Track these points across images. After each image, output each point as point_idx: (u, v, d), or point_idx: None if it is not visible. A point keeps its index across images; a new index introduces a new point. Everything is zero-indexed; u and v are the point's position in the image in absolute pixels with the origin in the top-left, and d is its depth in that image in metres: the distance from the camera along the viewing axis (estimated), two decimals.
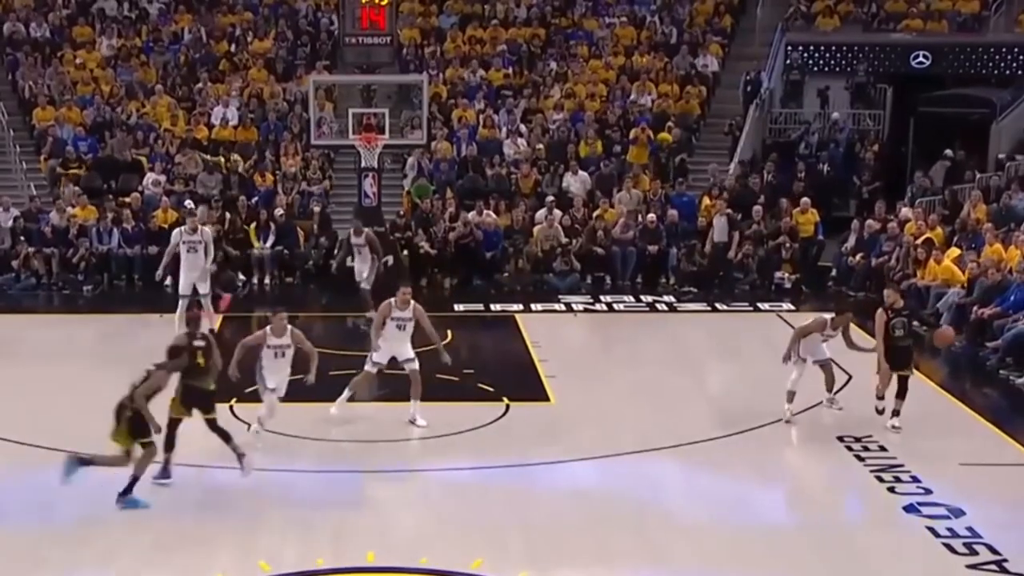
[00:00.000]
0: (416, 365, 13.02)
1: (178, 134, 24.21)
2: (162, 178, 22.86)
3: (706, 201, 22.41)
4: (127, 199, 22.01)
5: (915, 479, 11.76)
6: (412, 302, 12.98)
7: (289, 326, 12.62)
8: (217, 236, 20.59)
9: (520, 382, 15.20)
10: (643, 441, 12.82)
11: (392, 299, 13.07)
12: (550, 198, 22.22)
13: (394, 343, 13.01)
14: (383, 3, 21.49)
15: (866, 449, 12.63)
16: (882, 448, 12.65)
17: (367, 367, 13.28)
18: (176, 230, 17.38)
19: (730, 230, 21.36)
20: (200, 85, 25.86)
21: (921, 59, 25.71)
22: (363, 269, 17.77)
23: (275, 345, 12.49)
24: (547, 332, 17.82)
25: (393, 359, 13.20)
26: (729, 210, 21.62)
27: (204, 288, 16.94)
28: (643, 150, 23.95)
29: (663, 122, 24.92)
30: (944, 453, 12.43)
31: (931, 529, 10.66)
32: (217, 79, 26.17)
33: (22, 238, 20.78)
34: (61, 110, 24.91)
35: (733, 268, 21.16)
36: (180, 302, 16.81)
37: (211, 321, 17.04)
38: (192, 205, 21.30)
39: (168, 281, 17.55)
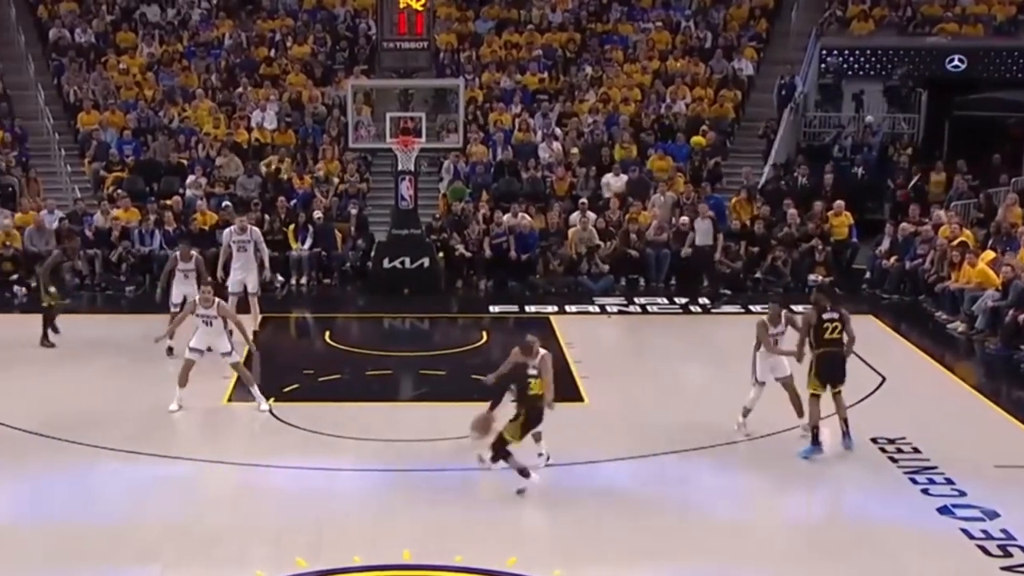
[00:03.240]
0: (233, 359, 13.74)
1: (218, 137, 24.39)
2: (203, 181, 23.02)
3: (734, 202, 22.34)
4: (169, 202, 22.20)
5: (949, 481, 11.63)
6: (216, 300, 13.77)
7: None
8: None
9: (554, 383, 15.10)
10: (677, 442, 12.76)
11: (196, 297, 14.01)
12: (583, 200, 22.20)
13: (207, 337, 13.71)
14: (420, 8, 21.47)
15: (900, 451, 12.50)
16: (916, 450, 12.51)
17: (187, 355, 13.73)
18: (226, 230, 17.58)
19: (715, 233, 21.24)
20: (240, 89, 26.03)
21: (956, 63, 25.53)
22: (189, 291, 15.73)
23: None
24: (581, 333, 17.78)
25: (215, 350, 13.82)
26: (712, 214, 21.42)
27: (253, 286, 17.05)
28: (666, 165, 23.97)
29: (697, 126, 24.86)
30: (978, 455, 12.28)
31: (965, 531, 10.54)
32: (257, 84, 26.33)
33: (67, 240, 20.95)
34: (105, 114, 25.18)
35: (715, 273, 20.87)
36: (229, 299, 16.92)
37: (255, 320, 17.13)
38: (231, 207, 21.45)
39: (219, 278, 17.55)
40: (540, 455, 11.78)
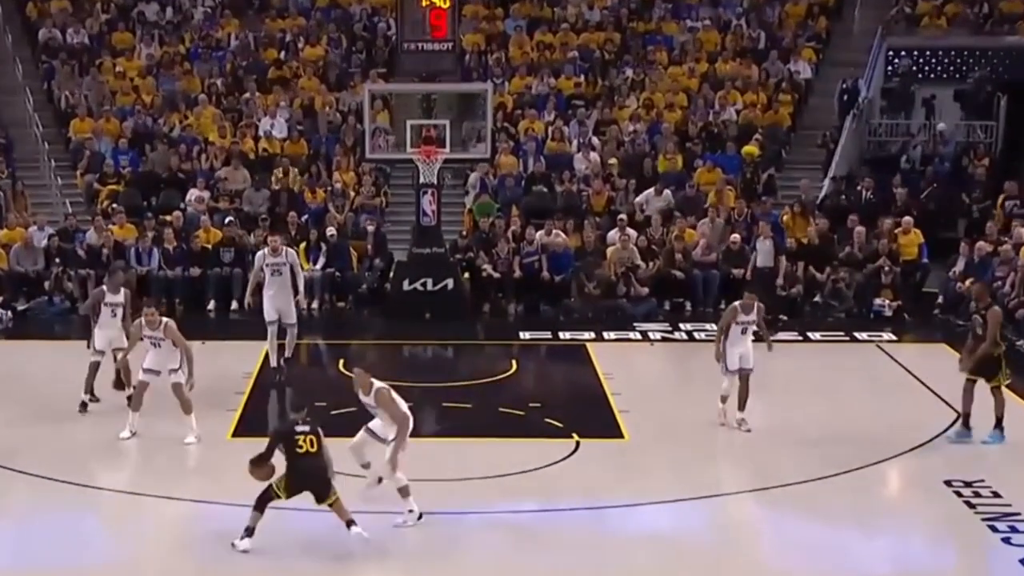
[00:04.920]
0: (176, 379, 14.01)
1: (223, 147, 24.53)
2: (205, 194, 23.15)
3: (785, 219, 22.29)
4: (168, 217, 22.30)
5: None
6: (163, 320, 14.16)
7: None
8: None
9: (591, 417, 15.15)
10: (725, 483, 12.71)
11: (141, 319, 14.20)
12: (622, 216, 22.16)
13: (158, 358, 14.11)
14: (445, 6, 21.59)
15: (977, 495, 12.38)
16: (995, 494, 12.40)
17: (141, 376, 14.11)
18: (259, 253, 17.32)
19: (776, 255, 21.20)
20: (247, 95, 26.20)
21: None
22: (118, 337, 15.08)
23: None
24: (621, 363, 17.77)
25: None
26: (772, 234, 21.39)
27: (291, 316, 16.85)
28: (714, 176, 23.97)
29: (749, 134, 24.83)
30: None
31: None
32: (265, 88, 26.51)
33: (57, 260, 21.10)
34: (99, 122, 25.38)
35: (775, 298, 20.74)
36: (268, 329, 16.82)
37: (289, 348, 17.08)
38: (236, 223, 21.51)
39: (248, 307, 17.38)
40: (410, 511, 11.46)
